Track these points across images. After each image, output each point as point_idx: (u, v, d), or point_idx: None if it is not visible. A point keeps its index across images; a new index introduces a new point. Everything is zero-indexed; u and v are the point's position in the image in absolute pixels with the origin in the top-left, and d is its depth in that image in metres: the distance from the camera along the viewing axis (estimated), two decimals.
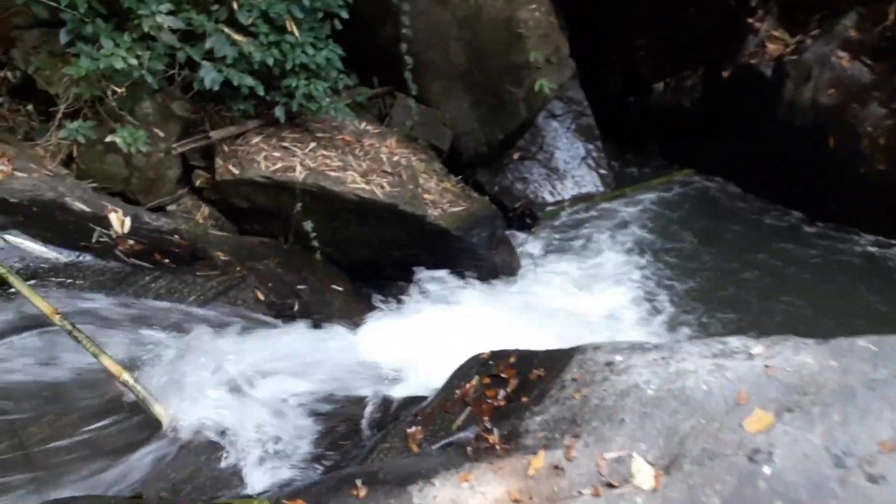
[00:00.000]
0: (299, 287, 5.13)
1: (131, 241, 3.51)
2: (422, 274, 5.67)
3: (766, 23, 6.47)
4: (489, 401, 2.71)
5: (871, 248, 5.99)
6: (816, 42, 6.27)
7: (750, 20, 6.53)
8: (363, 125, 5.80)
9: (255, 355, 3.17)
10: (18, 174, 3.69)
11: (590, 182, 6.51)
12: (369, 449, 2.69)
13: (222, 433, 2.77)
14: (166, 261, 3.57)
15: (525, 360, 2.84)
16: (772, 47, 6.44)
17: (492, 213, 5.62)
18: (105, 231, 3.47)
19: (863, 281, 5.71)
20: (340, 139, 5.52)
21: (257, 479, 2.68)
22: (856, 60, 6.10)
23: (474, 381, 2.85)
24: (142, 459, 2.71)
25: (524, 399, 2.60)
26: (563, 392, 2.53)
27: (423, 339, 4.07)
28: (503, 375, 2.83)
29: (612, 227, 6.31)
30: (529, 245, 6.07)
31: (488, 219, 5.59)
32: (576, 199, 6.47)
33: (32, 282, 3.17)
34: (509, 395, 2.66)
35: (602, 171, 6.58)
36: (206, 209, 5.22)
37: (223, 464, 2.70)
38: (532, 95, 5.94)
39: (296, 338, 3.52)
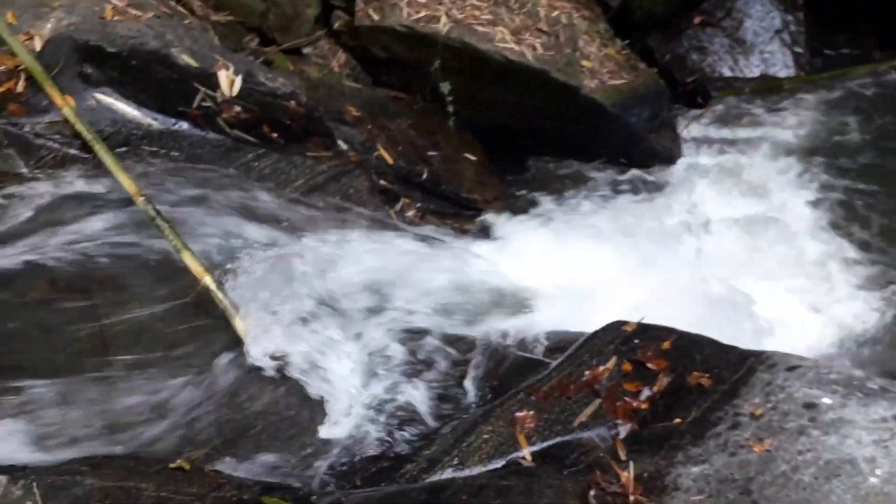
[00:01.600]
0: (430, 153, 4.45)
1: (238, 108, 2.87)
2: (563, 154, 4.75)
3: None
4: (627, 398, 1.96)
5: None
6: None
7: None
8: None
9: (357, 264, 2.51)
10: (132, 11, 3.00)
11: (780, 61, 5.20)
12: (466, 429, 2.04)
13: (306, 368, 2.20)
14: (274, 135, 2.93)
15: (684, 352, 2.04)
16: None
17: (658, 90, 4.60)
18: (210, 93, 2.83)
19: None
20: None
21: (335, 433, 2.10)
22: None
23: (610, 364, 2.10)
24: (217, 378, 2.19)
25: (677, 420, 1.84)
26: (735, 433, 1.74)
27: (553, 248, 3.27)
28: (651, 366, 2.05)
29: (799, 119, 5.10)
30: (695, 128, 4.98)
31: (653, 96, 4.58)
32: (760, 80, 5.18)
33: (123, 149, 2.57)
34: (655, 400, 1.90)
35: (797, 50, 5.22)
36: (342, 56, 4.50)
37: (301, 405, 2.15)
38: None
39: (408, 241, 2.84)
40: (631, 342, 2.18)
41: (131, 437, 2.20)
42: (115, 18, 3.10)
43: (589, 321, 2.73)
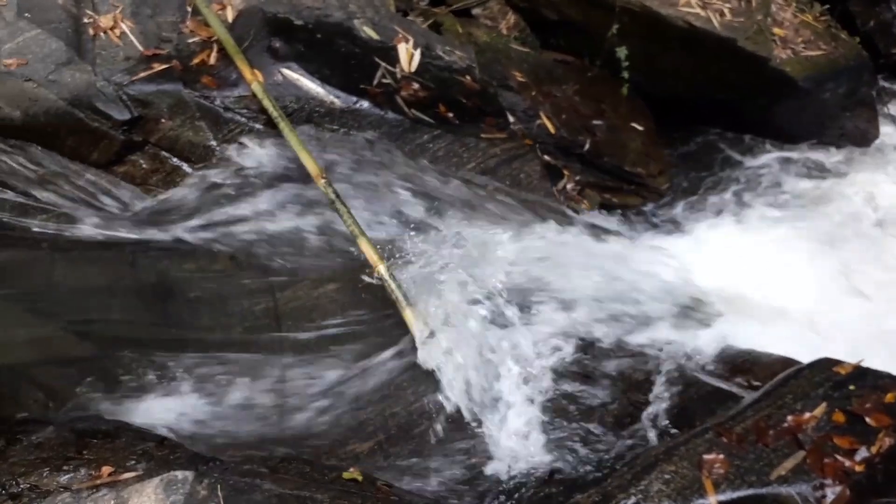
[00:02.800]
0: (595, 122, 4.21)
1: (416, 85, 2.76)
2: (740, 129, 4.34)
3: None
4: (838, 456, 1.71)
5: None
6: None
7: None
8: None
9: (525, 258, 2.37)
10: None
11: None
12: (645, 465, 1.87)
13: (471, 374, 2.08)
14: (450, 115, 2.81)
15: None
16: None
17: (859, 64, 4.09)
18: (390, 69, 2.73)
19: None
20: None
21: (502, 449, 1.99)
22: None
23: (819, 412, 1.84)
24: (385, 368, 2.15)
25: None
26: None
27: (732, 242, 2.97)
28: (870, 421, 1.77)
29: None
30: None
31: (852, 70, 4.08)
32: None
33: (306, 125, 2.53)
34: (874, 463, 1.63)
35: None
36: (511, 17, 4.27)
37: (457, 415, 2.04)
38: None
39: (579, 231, 2.65)
40: (844, 388, 1.90)
41: (302, 424, 2.20)
42: None
43: (780, 341, 2.47)
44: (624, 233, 3.20)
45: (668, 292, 2.65)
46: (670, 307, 2.56)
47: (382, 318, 2.35)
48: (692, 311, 2.60)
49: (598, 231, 2.90)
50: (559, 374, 2.23)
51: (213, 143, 2.67)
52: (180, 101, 2.67)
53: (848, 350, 2.60)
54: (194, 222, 2.56)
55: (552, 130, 4.12)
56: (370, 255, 2.40)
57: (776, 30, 4.14)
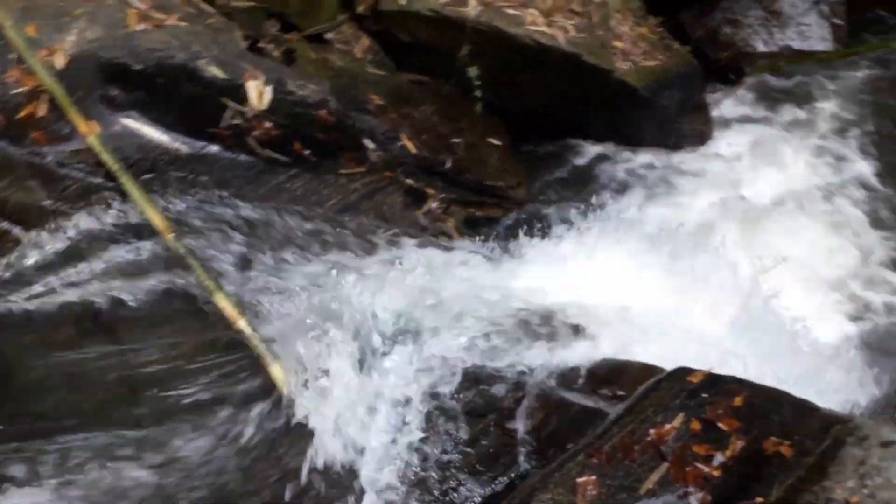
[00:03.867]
0: (454, 140, 4.24)
1: (268, 124, 2.65)
2: (592, 138, 4.51)
3: None
4: (698, 463, 1.79)
5: None
6: None
7: None
8: None
9: (390, 291, 2.33)
10: (156, 14, 2.74)
11: (816, 33, 4.88)
12: (522, 498, 1.87)
13: (338, 423, 2.02)
14: (306, 152, 2.73)
15: (759, 411, 1.85)
16: None
17: (691, 72, 4.34)
18: (239, 108, 2.61)
19: None
20: None
21: (370, 497, 1.95)
22: None
23: (677, 422, 1.92)
24: (250, 429, 2.04)
25: (758, 500, 1.65)
26: None
27: (588, 251, 3.07)
28: (722, 426, 1.87)
29: (833, 96, 4.79)
30: (726, 106, 4.73)
31: (686, 78, 4.33)
32: (795, 54, 4.85)
33: (150, 175, 2.37)
34: (729, 467, 1.72)
35: (836, 22, 4.90)
36: (365, 41, 4.22)
37: (335, 462, 1.97)
38: None
39: (444, 257, 2.64)
40: (698, 396, 2.00)
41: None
42: (140, 26, 2.83)
43: (641, 347, 2.57)
44: (488, 254, 3.23)
45: (532, 311, 2.70)
46: (536, 326, 2.61)
47: (248, 376, 2.25)
48: (557, 327, 2.66)
49: (464, 255, 2.91)
50: (432, 411, 2.21)
51: (48, 202, 2.46)
52: (6, 159, 2.44)
53: (702, 352, 2.76)
54: (32, 290, 2.34)
55: (414, 151, 4.12)
56: (228, 310, 2.29)
57: (616, 43, 4.33)
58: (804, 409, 1.84)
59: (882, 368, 3.43)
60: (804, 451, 1.71)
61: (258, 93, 2.82)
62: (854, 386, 3.32)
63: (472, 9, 4.07)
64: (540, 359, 2.45)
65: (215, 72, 2.79)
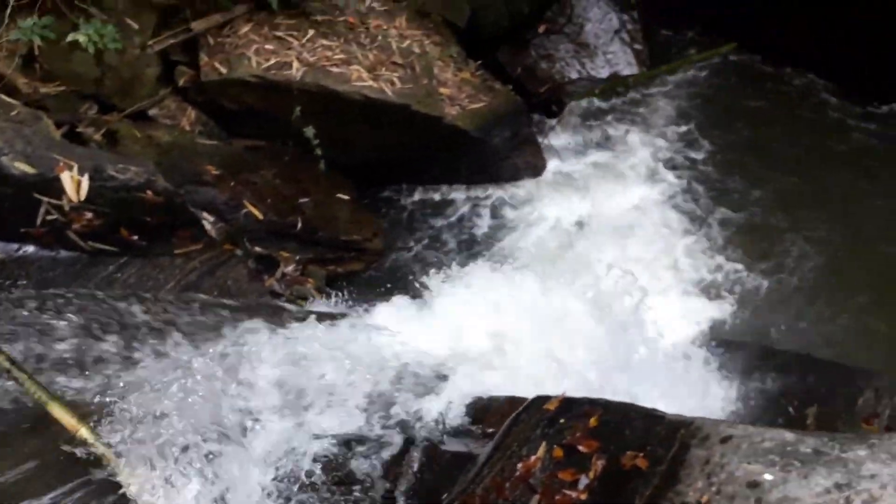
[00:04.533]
0: (301, 201, 4.20)
1: (89, 214, 2.50)
2: (435, 181, 4.63)
3: None
4: (565, 490, 1.83)
5: None
6: None
7: None
8: (368, 1, 4.51)
9: (255, 370, 2.24)
10: None
11: (622, 59, 5.28)
12: None
13: None
14: (135, 238, 2.59)
15: (613, 429, 1.92)
16: None
17: (516, 109, 4.54)
18: (55, 202, 2.42)
19: None
20: (343, 22, 4.27)
21: None
22: None
23: (541, 452, 1.95)
24: None
25: None
26: None
27: (441, 294, 3.10)
28: (582, 449, 1.92)
29: (646, 112, 5.22)
30: (555, 137, 5.04)
31: (512, 115, 4.53)
32: (607, 80, 5.23)
33: None
34: (593, 488, 1.78)
35: (637, 47, 5.32)
36: (192, 113, 4.10)
37: None
38: None
39: (297, 326, 2.58)
40: (557, 423, 2.05)
41: None
42: None
43: (504, 377, 2.61)
44: (349, 310, 3.20)
45: (399, 364, 2.68)
46: (404, 380, 2.59)
47: (98, 487, 2.07)
48: (424, 377, 2.66)
49: (322, 318, 2.85)
50: (301, 490, 2.12)
51: None
52: None
53: (565, 373, 2.85)
54: None
55: (260, 217, 4.04)
56: (66, 420, 2.11)
57: (442, 90, 4.47)
58: (652, 418, 1.93)
59: (728, 364, 3.70)
60: (657, 461, 1.79)
61: (74, 183, 2.66)
62: (705, 384, 3.55)
63: (297, 71, 4.08)
64: (409, 413, 2.43)
65: (23, 167, 2.60)
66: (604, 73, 5.48)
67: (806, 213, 4.62)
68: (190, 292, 2.64)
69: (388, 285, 4.03)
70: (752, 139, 5.11)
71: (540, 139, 5.10)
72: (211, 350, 2.34)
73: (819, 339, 4.06)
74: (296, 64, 4.11)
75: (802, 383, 3.73)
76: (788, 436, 1.76)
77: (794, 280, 4.31)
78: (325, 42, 4.28)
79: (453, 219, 4.67)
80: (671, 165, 4.96)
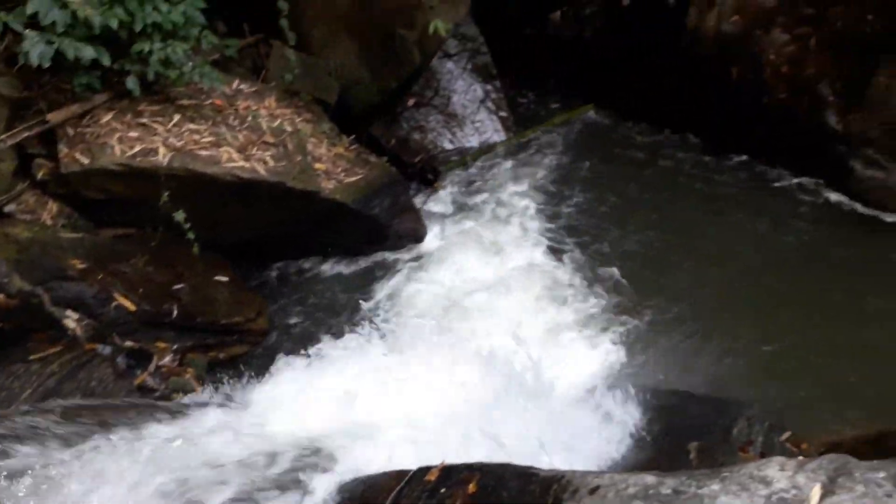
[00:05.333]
0: (176, 287, 4.05)
1: None
2: (319, 254, 4.60)
3: None
4: None
5: (784, 182, 5.51)
6: None
7: None
8: (236, 84, 4.52)
9: (130, 480, 2.06)
10: None
11: (490, 126, 5.51)
12: None
13: None
14: None
15: (491, 492, 1.92)
16: None
17: (392, 179, 4.61)
18: None
19: (764, 212, 5.25)
20: (210, 105, 4.23)
21: None
22: None
23: None
24: None
25: None
26: None
27: (324, 373, 3.05)
28: None
29: (516, 174, 5.43)
30: (433, 204, 5.14)
31: (389, 185, 4.58)
32: (477, 147, 5.42)
33: None
34: None
35: (502, 114, 5.57)
36: (53, 206, 3.91)
37: None
38: (426, 38, 4.80)
39: (169, 424, 2.41)
40: (438, 493, 2.02)
41: None
42: None
43: (393, 450, 2.56)
44: (225, 401, 3.07)
45: (284, 452, 2.58)
46: (290, 469, 2.49)
47: None
48: (310, 462, 2.57)
49: (196, 411, 2.71)
50: None
51: None
52: None
53: (456, 437, 2.84)
54: None
55: (132, 308, 3.86)
56: None
57: (317, 165, 4.49)
58: (526, 476, 1.94)
59: (616, 408, 3.81)
60: None
61: None
62: (597, 430, 3.64)
63: (164, 156, 4.00)
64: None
65: None
66: (474, 140, 5.69)
67: (675, 258, 4.89)
68: (50, 398, 2.45)
69: (273, 366, 3.92)
70: (617, 191, 5.41)
71: (419, 206, 5.20)
72: (70, 458, 2.16)
73: (697, 375, 4.24)
74: (162, 149, 4.02)
75: (684, 420, 3.89)
76: (650, 479, 1.82)
77: (670, 321, 4.52)
78: (192, 126, 4.22)
79: (338, 290, 4.64)
80: (544, 223, 5.16)
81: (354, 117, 5.21)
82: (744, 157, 5.84)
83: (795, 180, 5.67)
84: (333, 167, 4.56)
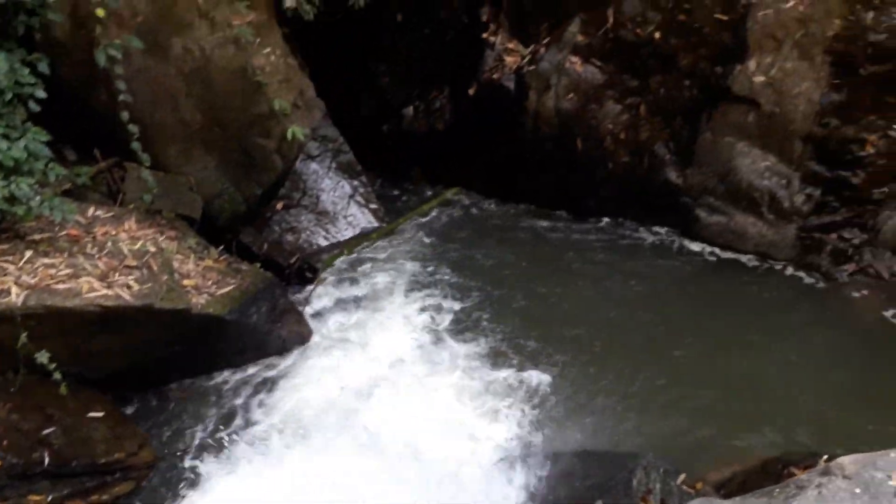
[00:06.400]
0: (46, 432, 3.81)
1: None
2: (201, 372, 4.44)
3: (500, 36, 5.90)
4: None
5: (644, 237, 5.90)
6: (549, 50, 5.82)
7: (484, 35, 5.88)
8: (92, 211, 4.41)
9: None
10: None
11: (362, 219, 5.61)
12: None
13: None
14: None
15: None
16: (510, 60, 5.89)
17: (268, 284, 4.55)
18: None
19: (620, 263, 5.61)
20: (65, 236, 4.10)
21: None
22: (587, 64, 5.74)
23: None
24: None
25: None
26: None
27: (219, 487, 2.89)
28: None
29: (391, 262, 5.53)
30: (314, 302, 5.11)
31: (266, 290, 4.53)
32: (352, 241, 5.49)
33: None
34: None
35: (373, 206, 5.70)
36: None
37: None
38: (285, 144, 4.87)
39: None
40: None
41: None
42: None
43: None
44: None
45: None
46: None
47: None
48: None
49: None
50: None
51: None
52: None
53: None
54: None
55: None
56: None
57: (186, 282, 4.38)
58: None
59: (525, 476, 3.84)
60: None
61: None
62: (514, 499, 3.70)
63: (17, 296, 3.79)
64: None
65: None
66: (348, 234, 5.76)
67: (554, 323, 5.06)
68: None
69: (163, 499, 3.70)
70: (487, 269, 5.60)
71: (301, 307, 5.14)
72: None
73: (594, 432, 4.34)
74: (15, 289, 3.81)
75: (586, 479, 3.95)
76: None
77: (558, 384, 4.63)
78: (46, 260, 4.04)
79: (225, 407, 4.47)
80: (420, 305, 5.24)
81: (222, 228, 5.15)
82: (605, 221, 6.23)
83: (653, 236, 6.09)
84: (203, 281, 4.46)
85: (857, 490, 1.60)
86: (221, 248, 4.80)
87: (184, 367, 4.57)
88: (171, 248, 4.51)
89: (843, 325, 5.12)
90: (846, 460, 1.77)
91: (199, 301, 4.32)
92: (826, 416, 4.28)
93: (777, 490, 1.68)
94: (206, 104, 4.73)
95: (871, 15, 5.01)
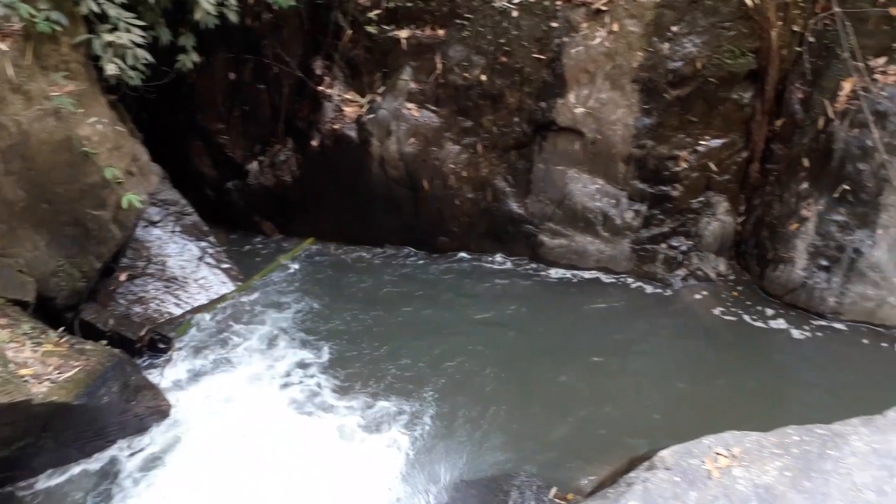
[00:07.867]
0: None
1: None
2: (52, 467, 4.11)
3: (335, 88, 6.01)
4: None
5: (499, 266, 6.12)
6: (386, 98, 6.01)
7: (321, 88, 5.97)
8: None
9: None
10: None
11: (215, 281, 5.44)
12: None
13: None
14: None
15: None
16: (349, 110, 6.01)
17: (116, 362, 4.35)
18: None
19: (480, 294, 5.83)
20: None
21: None
22: (423, 109, 5.97)
23: None
24: None
25: None
26: None
27: None
28: None
29: (249, 321, 5.42)
30: (171, 373, 4.85)
31: (114, 369, 4.34)
32: (206, 304, 5.30)
33: None
34: None
35: (225, 266, 5.55)
36: None
37: None
38: (121, 213, 4.68)
39: None
40: None
41: None
42: None
43: None
44: None
45: None
46: None
47: None
48: None
49: None
50: None
51: None
52: None
53: None
54: None
55: None
56: None
57: (23, 371, 4.07)
58: None
59: None
60: None
61: None
62: None
63: None
64: None
65: None
66: (201, 297, 5.55)
67: (419, 360, 5.14)
68: None
69: None
70: (349, 315, 5.61)
71: (157, 380, 4.89)
72: None
73: (471, 460, 4.43)
74: None
75: None
76: None
77: (435, 421, 4.69)
78: None
79: (81, 501, 4.15)
80: (290, 358, 5.16)
81: (62, 307, 4.83)
82: (463, 254, 6.44)
83: (507, 263, 6.36)
84: (44, 368, 4.16)
85: (677, 479, 1.75)
86: (62, 329, 4.50)
87: (37, 462, 4.22)
88: (4, 336, 4.18)
89: (683, 330, 5.59)
90: (665, 453, 1.94)
91: (40, 390, 4.02)
92: (672, 415, 4.64)
93: (610, 491, 1.81)
94: (28, 181, 4.45)
95: (666, 46, 5.57)
